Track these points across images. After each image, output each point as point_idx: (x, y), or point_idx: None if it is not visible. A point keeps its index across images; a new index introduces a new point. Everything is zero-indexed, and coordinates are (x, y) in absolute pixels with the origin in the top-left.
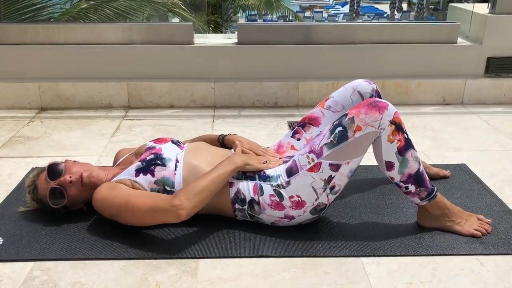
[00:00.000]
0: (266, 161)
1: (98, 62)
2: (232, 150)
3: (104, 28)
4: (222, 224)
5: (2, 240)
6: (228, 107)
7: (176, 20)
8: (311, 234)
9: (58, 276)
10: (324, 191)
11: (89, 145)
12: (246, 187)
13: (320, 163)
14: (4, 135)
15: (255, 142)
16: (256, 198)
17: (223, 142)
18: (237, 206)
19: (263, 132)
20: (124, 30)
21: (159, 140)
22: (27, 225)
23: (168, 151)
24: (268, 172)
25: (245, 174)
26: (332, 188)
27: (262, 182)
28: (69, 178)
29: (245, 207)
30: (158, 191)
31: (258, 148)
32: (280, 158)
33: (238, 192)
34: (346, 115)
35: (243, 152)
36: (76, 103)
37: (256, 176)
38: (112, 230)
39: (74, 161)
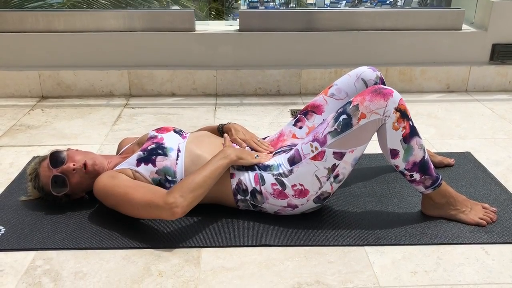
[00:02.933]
0: (258, 156)
1: (99, 50)
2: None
3: (104, 16)
4: (224, 214)
5: (4, 229)
6: (230, 95)
7: (176, 7)
8: (315, 223)
9: (60, 265)
10: (327, 180)
11: (91, 133)
12: (247, 178)
13: (324, 152)
14: (5, 123)
15: (255, 131)
16: (258, 188)
17: (221, 130)
18: (239, 197)
19: (266, 121)
20: (124, 17)
21: (161, 130)
22: (28, 215)
23: (170, 140)
24: (268, 161)
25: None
26: (336, 176)
27: (263, 171)
28: (73, 166)
29: (248, 197)
30: (159, 181)
31: (252, 138)
32: (270, 152)
33: (239, 183)
34: (350, 102)
35: (236, 142)
36: (77, 91)
37: (255, 166)
38: (114, 219)
39: (77, 150)
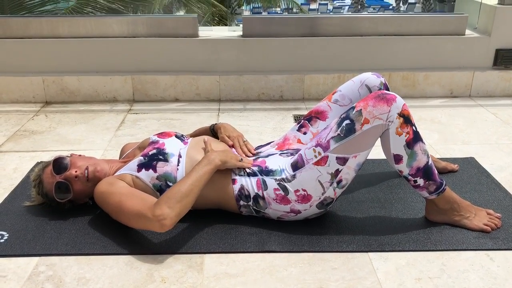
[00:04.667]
0: (242, 159)
1: (102, 56)
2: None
3: (108, 22)
4: (227, 219)
5: (8, 235)
6: (233, 101)
7: (180, 12)
8: (318, 229)
9: (63, 271)
10: (331, 185)
11: (94, 139)
12: (250, 183)
13: (327, 157)
14: (9, 129)
15: (258, 136)
16: (260, 193)
17: (213, 130)
18: (242, 202)
19: (269, 126)
20: (128, 23)
21: (163, 135)
22: (32, 220)
23: (171, 146)
24: (271, 166)
25: (245, 170)
26: (339, 182)
27: (265, 176)
28: (75, 173)
29: (250, 202)
30: (160, 187)
31: (238, 138)
32: (253, 156)
33: (241, 188)
34: (353, 107)
35: (223, 140)
36: (80, 97)
37: (257, 171)
38: (116, 225)
39: (80, 155)
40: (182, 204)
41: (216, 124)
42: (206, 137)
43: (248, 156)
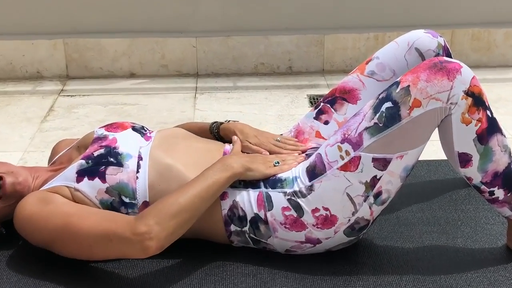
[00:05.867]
0: (279, 162)
1: (20, 10)
2: (229, 145)
3: None
4: (212, 253)
5: None
6: (217, 75)
7: None
8: (347, 267)
9: None
10: (365, 201)
11: (8, 135)
12: (246, 199)
13: (359, 158)
14: None
15: (266, 131)
16: (262, 214)
17: (217, 132)
18: (233, 227)
19: (271, 113)
20: None
21: (113, 127)
22: None
23: (126, 143)
24: (279, 174)
25: (243, 180)
26: (378, 195)
27: (270, 189)
28: None
29: (246, 228)
30: (111, 204)
31: (269, 141)
32: (303, 152)
33: (234, 206)
34: (397, 83)
35: (245, 151)
36: None
37: (261, 181)
38: (47, 263)
39: None
40: (177, 222)
41: (222, 123)
42: (236, 137)
43: (304, 151)
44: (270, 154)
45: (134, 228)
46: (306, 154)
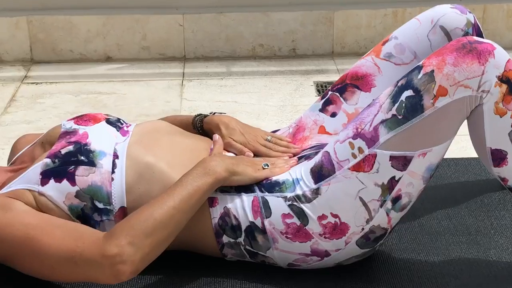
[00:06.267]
0: (268, 165)
1: None
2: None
3: None
4: (202, 268)
5: None
6: (208, 59)
7: None
8: (359, 284)
9: None
10: (381, 206)
11: None
12: (239, 205)
13: (374, 156)
14: None
15: (255, 123)
16: (258, 222)
17: (201, 127)
18: (225, 239)
19: (271, 103)
20: None
21: (84, 119)
22: None
23: (99, 138)
24: (277, 176)
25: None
26: (397, 200)
27: (267, 193)
28: None
29: (240, 239)
30: (82, 211)
31: (257, 138)
32: (294, 155)
33: (225, 214)
34: (419, 68)
35: (231, 149)
36: None
37: (254, 185)
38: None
39: None
40: (154, 240)
41: (206, 116)
42: (218, 136)
43: (296, 155)
44: (256, 156)
45: (103, 249)
46: (303, 156)
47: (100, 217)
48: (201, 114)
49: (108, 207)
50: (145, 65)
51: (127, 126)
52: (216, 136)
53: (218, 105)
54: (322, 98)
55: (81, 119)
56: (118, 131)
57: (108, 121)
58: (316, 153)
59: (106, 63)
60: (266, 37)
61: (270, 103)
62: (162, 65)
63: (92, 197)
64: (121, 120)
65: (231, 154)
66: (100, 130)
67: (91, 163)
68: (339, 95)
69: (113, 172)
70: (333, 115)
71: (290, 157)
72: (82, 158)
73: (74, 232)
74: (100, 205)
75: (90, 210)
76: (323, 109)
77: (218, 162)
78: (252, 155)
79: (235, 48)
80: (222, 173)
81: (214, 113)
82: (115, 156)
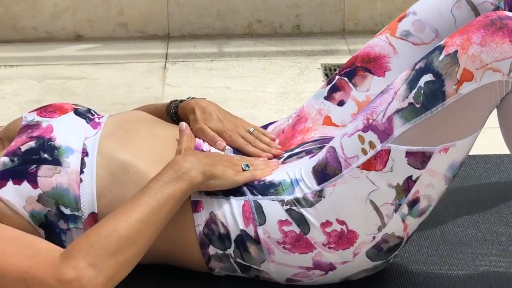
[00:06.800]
0: (248, 166)
1: None
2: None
3: None
4: (185, 285)
5: None
6: (196, 37)
7: None
8: None
9: None
10: (396, 211)
11: None
12: (228, 211)
13: (388, 152)
14: None
15: (249, 114)
16: (251, 230)
17: (175, 113)
18: (212, 250)
19: (270, 89)
20: None
21: (48, 110)
22: None
23: (66, 132)
24: (270, 176)
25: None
26: (414, 203)
27: (260, 197)
28: None
29: (230, 250)
30: (46, 218)
31: (238, 129)
32: (277, 157)
33: (211, 221)
34: (441, 48)
35: (204, 138)
36: None
37: (244, 186)
38: None
39: None
40: (119, 261)
41: (182, 101)
42: (184, 124)
43: (276, 156)
44: (229, 147)
45: (58, 272)
46: (303, 151)
47: (66, 225)
48: (177, 100)
49: (76, 213)
50: (121, 45)
51: (99, 118)
52: (184, 125)
53: (207, 92)
54: (328, 84)
55: (45, 110)
56: (88, 123)
57: (77, 112)
58: (320, 148)
59: (76, 43)
60: (265, 11)
61: (269, 89)
62: (142, 45)
63: (57, 201)
64: (92, 111)
65: (206, 147)
66: (67, 122)
67: (56, 161)
68: (347, 80)
69: (81, 172)
70: (341, 103)
71: (269, 158)
72: (46, 155)
73: (29, 249)
74: (67, 211)
75: (55, 217)
76: (329, 97)
77: (192, 163)
78: (225, 144)
79: (228, 24)
80: (197, 177)
81: (192, 98)
82: (84, 153)
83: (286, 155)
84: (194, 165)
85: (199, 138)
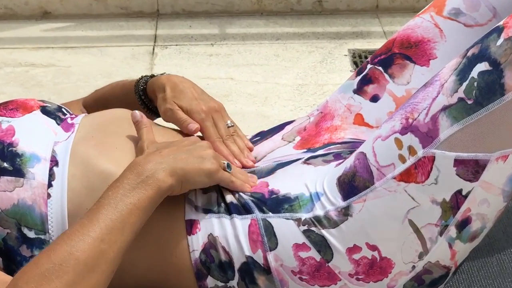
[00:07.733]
0: (230, 167)
1: None
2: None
3: None
4: None
5: None
6: (192, 15)
7: None
8: None
9: None
10: (442, 234)
11: None
12: (230, 232)
13: (432, 160)
14: None
15: (260, 109)
16: (259, 257)
17: (144, 90)
18: (210, 282)
19: (285, 81)
20: None
21: (9, 108)
22: None
23: (31, 136)
24: (284, 189)
25: (222, 195)
26: (465, 225)
27: (271, 214)
28: None
29: (233, 282)
30: (4, 242)
31: (211, 115)
32: (248, 168)
33: (211, 245)
34: (499, 31)
35: (165, 118)
36: None
37: (251, 201)
38: None
39: None
40: None
41: (151, 77)
42: (138, 113)
43: (246, 167)
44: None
45: None
46: (337, 154)
47: (30, 251)
48: (147, 75)
49: (42, 237)
50: (99, 24)
51: (72, 118)
52: (137, 114)
53: (206, 84)
54: (357, 74)
55: (4, 107)
56: (58, 124)
57: (45, 111)
58: (350, 152)
59: (43, 21)
60: None
61: (283, 81)
62: (125, 24)
63: (19, 222)
64: (63, 109)
65: (175, 135)
66: (32, 123)
67: (18, 172)
68: (382, 70)
69: (50, 185)
70: (374, 99)
71: (239, 167)
72: (5, 165)
73: None
74: (31, 234)
75: (16, 241)
76: (359, 90)
77: (157, 163)
78: (198, 126)
79: (231, 0)
80: (165, 179)
81: (165, 74)
82: (54, 161)
83: (308, 155)
84: (159, 164)
85: (168, 121)
